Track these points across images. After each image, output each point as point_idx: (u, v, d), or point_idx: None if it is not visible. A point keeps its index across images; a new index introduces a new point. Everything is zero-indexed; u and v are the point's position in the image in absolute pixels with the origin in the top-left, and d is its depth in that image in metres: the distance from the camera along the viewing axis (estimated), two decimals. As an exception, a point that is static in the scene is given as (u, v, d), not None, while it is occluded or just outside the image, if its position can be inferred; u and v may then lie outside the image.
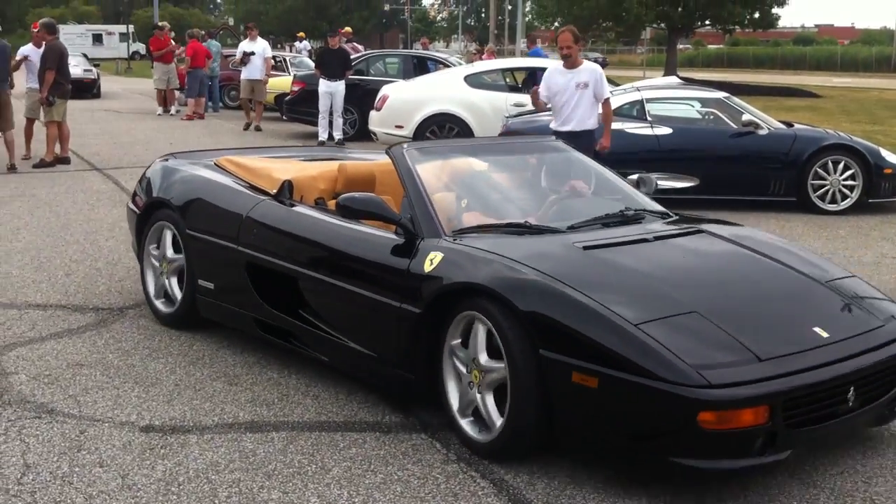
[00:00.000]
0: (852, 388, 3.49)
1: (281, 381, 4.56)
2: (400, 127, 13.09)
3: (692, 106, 10.61)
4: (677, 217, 4.76)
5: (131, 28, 65.01)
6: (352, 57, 16.61)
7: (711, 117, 10.26)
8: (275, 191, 5.01)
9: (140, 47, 65.43)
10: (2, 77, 11.61)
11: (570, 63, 7.87)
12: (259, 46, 17.36)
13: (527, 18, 48.46)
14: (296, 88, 16.98)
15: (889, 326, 3.81)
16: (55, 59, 11.83)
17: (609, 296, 3.56)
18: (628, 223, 4.50)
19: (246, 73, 17.32)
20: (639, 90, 10.76)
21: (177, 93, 21.21)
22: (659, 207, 4.84)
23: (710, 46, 78.34)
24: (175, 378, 4.57)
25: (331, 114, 15.43)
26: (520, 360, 3.53)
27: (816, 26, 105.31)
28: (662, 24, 38.76)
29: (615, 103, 10.44)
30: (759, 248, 4.28)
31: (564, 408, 3.51)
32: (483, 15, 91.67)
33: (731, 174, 9.72)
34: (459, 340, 3.86)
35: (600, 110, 7.94)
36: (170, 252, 5.39)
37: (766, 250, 4.28)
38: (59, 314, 5.59)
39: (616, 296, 3.58)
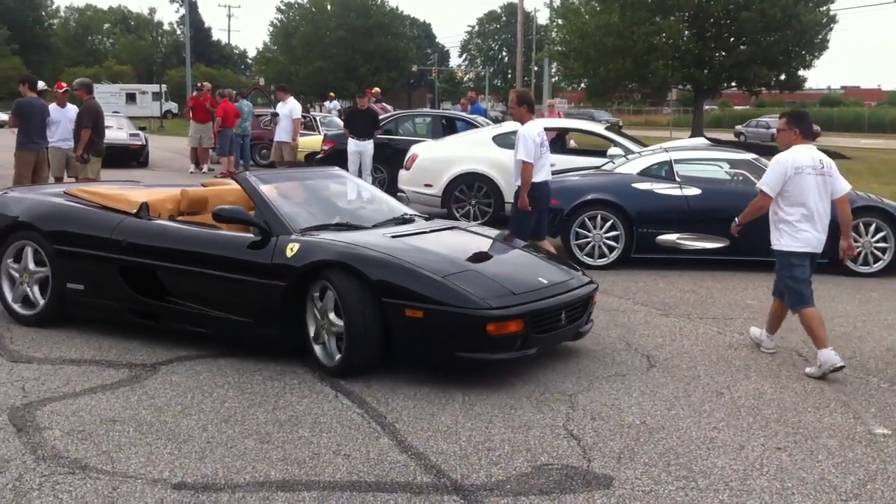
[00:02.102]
0: (563, 312, 5.88)
1: (312, 440, 4.56)
2: (429, 186, 13.18)
3: (721, 167, 10.63)
4: (434, 218, 7.29)
5: (164, 87, 66.23)
6: (380, 117, 16.83)
7: (740, 178, 10.27)
8: (135, 210, 6.55)
9: (172, 106, 66.65)
10: (40, 136, 11.87)
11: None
12: (287, 108, 17.60)
13: (553, 79, 48.81)
14: (326, 147, 17.18)
15: (577, 279, 6.25)
16: (91, 118, 12.06)
17: (420, 262, 5.62)
18: (406, 223, 6.77)
19: (275, 135, 17.60)
20: (667, 151, 10.81)
21: (210, 151, 21.54)
22: (418, 213, 7.22)
23: (737, 107, 78.58)
24: (207, 435, 4.58)
25: (360, 173, 15.61)
26: (360, 311, 5.44)
27: (843, 88, 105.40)
28: (688, 86, 38.97)
29: (645, 163, 10.52)
30: (490, 236, 6.89)
31: (400, 334, 5.49)
32: (509, 76, 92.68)
33: (761, 236, 9.65)
34: (318, 294, 5.71)
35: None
36: (31, 265, 6.71)
37: (498, 238, 6.88)
38: (93, 370, 5.64)
39: (424, 262, 5.63)
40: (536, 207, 8.44)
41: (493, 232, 7.14)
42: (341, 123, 21.51)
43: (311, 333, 5.77)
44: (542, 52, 46.45)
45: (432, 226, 6.79)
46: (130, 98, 64.66)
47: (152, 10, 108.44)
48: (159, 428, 4.66)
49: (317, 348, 5.75)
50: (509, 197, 12.47)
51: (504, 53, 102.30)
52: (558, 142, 14.59)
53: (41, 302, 6.69)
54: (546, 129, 15.04)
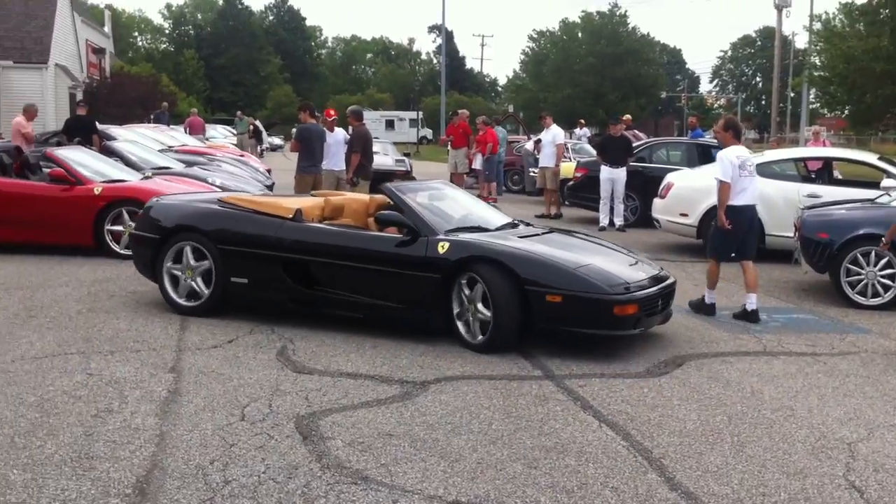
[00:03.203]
0: (660, 301, 7.15)
1: (579, 470, 4.57)
2: (685, 215, 12.88)
3: None
4: (530, 224, 8.53)
5: (420, 114, 69.06)
6: (633, 144, 16.68)
7: None
8: (291, 215, 7.64)
9: (428, 132, 69.30)
10: (318, 160, 12.75)
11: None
12: (550, 134, 17.82)
13: (812, 106, 46.35)
14: (578, 175, 17.27)
15: (665, 273, 7.61)
16: (361, 143, 12.82)
17: (552, 257, 6.93)
18: (515, 227, 8.08)
19: (540, 160, 17.91)
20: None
21: (465, 176, 22.16)
22: (517, 219, 8.52)
23: None
24: (477, 456, 4.71)
25: (612, 200, 15.53)
26: (506, 298, 6.65)
27: None
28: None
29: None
30: (589, 238, 8.25)
31: (540, 316, 6.70)
32: (763, 102, 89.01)
33: None
34: (465, 283, 6.87)
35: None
36: (193, 262, 7.76)
37: (594, 240, 8.18)
38: (368, 384, 5.95)
39: (555, 257, 6.94)
40: (739, 229, 8.43)
41: (586, 235, 8.47)
42: (591, 150, 21.54)
43: (456, 315, 6.94)
44: (800, 77, 44.22)
45: (537, 230, 8.10)
46: (389, 124, 67.94)
47: (411, 41, 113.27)
48: (432, 445, 4.84)
49: (460, 326, 6.93)
50: (770, 228, 11.97)
51: (758, 79, 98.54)
52: (825, 172, 13.83)
53: (206, 292, 7.72)
54: (811, 159, 14.46)
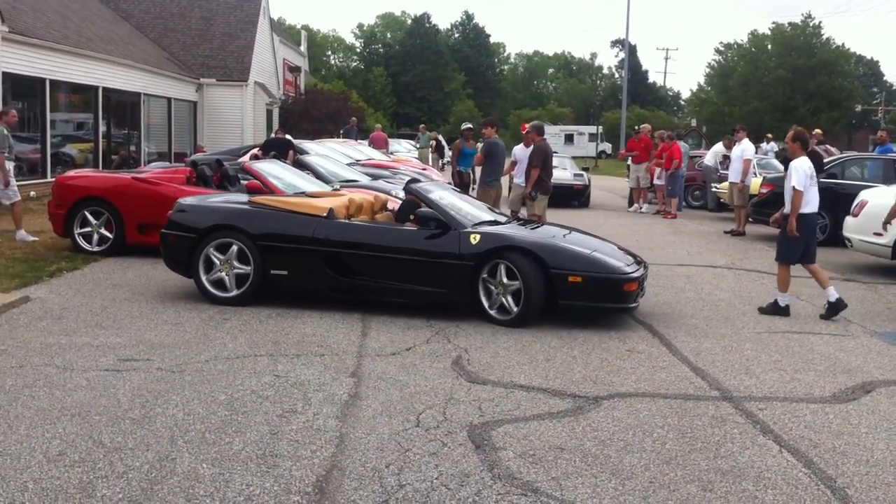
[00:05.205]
0: (645, 280, 8.62)
1: (756, 495, 4.42)
2: (879, 234, 12.17)
3: None
4: (521, 219, 10.58)
5: (600, 129, 68.48)
6: (824, 160, 15.94)
7: None
8: (325, 214, 8.58)
9: (607, 146, 68.64)
10: (500, 174, 12.92)
11: None
12: (739, 149, 17.33)
13: None
14: (764, 191, 16.64)
15: (640, 258, 8.95)
16: (540, 158, 12.87)
17: (570, 245, 8.34)
18: (520, 221, 9.78)
19: (729, 176, 17.52)
20: None
21: (646, 191, 21.88)
22: (507, 216, 10.16)
23: None
24: (650, 475, 4.64)
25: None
26: (534, 279, 7.88)
27: None
28: None
29: None
30: (580, 230, 9.59)
31: (564, 294, 7.95)
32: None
33: None
34: (486, 274, 8.08)
35: None
36: (231, 258, 8.54)
37: (575, 230, 9.52)
38: (541, 396, 5.98)
39: (572, 244, 8.39)
40: (805, 235, 8.97)
41: (571, 227, 9.69)
42: (780, 166, 20.72)
43: (483, 297, 8.10)
44: None
45: (535, 224, 9.71)
46: (568, 139, 67.77)
47: (593, 55, 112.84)
48: (603, 461, 4.82)
49: (487, 306, 8.11)
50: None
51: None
52: None
53: (244, 286, 8.55)
54: None
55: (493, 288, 8.08)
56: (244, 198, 9.52)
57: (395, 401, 5.76)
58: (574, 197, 22.24)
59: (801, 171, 8.92)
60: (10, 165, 12.53)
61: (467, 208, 9.18)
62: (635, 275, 8.15)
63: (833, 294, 8.90)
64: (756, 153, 25.43)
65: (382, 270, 8.37)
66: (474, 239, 8.15)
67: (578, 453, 4.92)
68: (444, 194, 9.21)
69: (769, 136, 33.17)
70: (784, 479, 4.66)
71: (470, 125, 17.07)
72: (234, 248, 8.58)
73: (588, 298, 7.98)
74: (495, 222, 8.99)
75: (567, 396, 6.00)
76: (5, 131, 12.41)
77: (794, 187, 8.88)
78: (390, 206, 9.91)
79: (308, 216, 8.65)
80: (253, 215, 8.74)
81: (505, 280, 8.01)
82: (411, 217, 8.72)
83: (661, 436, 5.26)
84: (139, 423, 5.17)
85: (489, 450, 4.93)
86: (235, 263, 8.60)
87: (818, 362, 7.09)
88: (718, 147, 22.19)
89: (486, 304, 8.11)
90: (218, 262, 8.64)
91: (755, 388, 6.34)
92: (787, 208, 9.06)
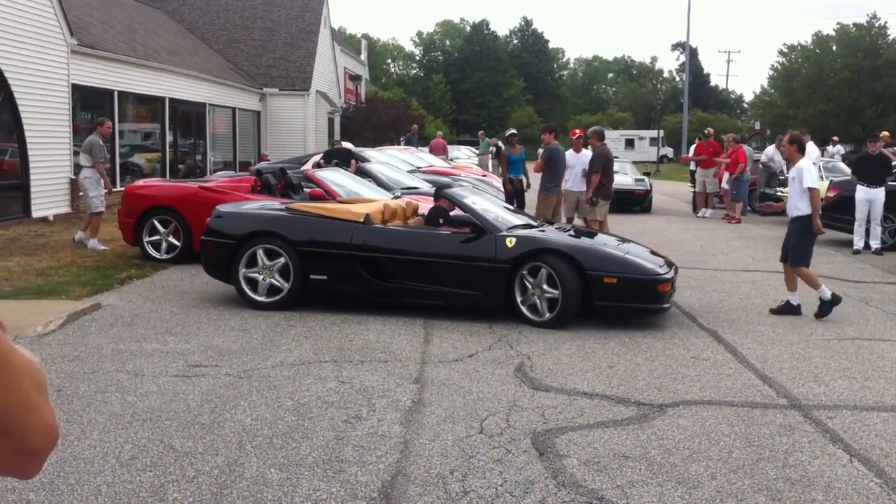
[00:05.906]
0: (675, 281, 8.70)
1: (826, 505, 4.35)
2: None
3: None
4: (542, 222, 10.02)
5: (661, 133, 67.79)
6: (893, 163, 15.59)
7: None
8: (361, 220, 8.69)
9: (668, 151, 67.91)
10: (560, 180, 12.88)
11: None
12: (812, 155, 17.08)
13: None
14: (831, 195, 16.29)
15: (670, 259, 9.13)
16: (601, 163, 12.81)
17: (604, 247, 8.54)
18: (551, 225, 9.85)
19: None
20: None
21: (711, 196, 21.60)
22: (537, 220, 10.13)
23: None
24: (716, 484, 4.60)
25: (868, 222, 14.59)
26: (571, 281, 8.00)
27: None
28: None
29: None
30: (612, 234, 10.21)
31: (600, 295, 8.10)
32: None
33: None
34: (526, 272, 8.21)
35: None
36: (267, 262, 8.72)
37: (609, 234, 10.35)
38: (604, 404, 5.95)
39: (606, 247, 8.58)
40: (808, 235, 9.09)
41: (600, 231, 10.68)
42: (846, 169, 20.31)
43: (519, 299, 8.24)
44: None
45: (566, 227, 10.23)
46: (629, 143, 67.16)
47: (654, 59, 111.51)
48: (669, 470, 4.78)
49: (523, 308, 8.23)
50: None
51: None
52: None
53: (286, 286, 8.65)
54: None
55: (529, 287, 8.21)
56: (280, 205, 9.68)
57: (459, 407, 5.78)
58: (636, 202, 22.03)
59: (812, 171, 9.02)
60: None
61: (499, 212, 9.31)
62: (668, 276, 8.33)
63: (826, 292, 8.92)
64: (822, 156, 25.02)
65: (419, 274, 8.55)
66: (510, 242, 8.32)
67: (643, 461, 4.88)
68: (476, 199, 9.35)
69: (835, 138, 32.56)
70: (855, 488, 4.57)
71: (514, 131, 17.06)
72: (277, 256, 8.71)
73: (623, 299, 8.16)
74: (528, 226, 9.14)
75: (631, 404, 5.97)
76: (101, 141, 12.76)
77: (809, 188, 8.91)
78: (420, 210, 10.00)
79: (346, 222, 8.78)
80: (291, 221, 8.91)
81: (545, 286, 8.14)
82: (440, 221, 8.96)
83: (728, 444, 5.20)
84: (208, 428, 5.27)
85: (553, 457, 4.93)
86: (274, 271, 8.74)
87: (889, 369, 6.93)
88: (770, 151, 21.77)
89: (524, 308, 8.24)
90: (259, 266, 8.78)
91: (824, 395, 6.23)
92: (792, 211, 9.13)
